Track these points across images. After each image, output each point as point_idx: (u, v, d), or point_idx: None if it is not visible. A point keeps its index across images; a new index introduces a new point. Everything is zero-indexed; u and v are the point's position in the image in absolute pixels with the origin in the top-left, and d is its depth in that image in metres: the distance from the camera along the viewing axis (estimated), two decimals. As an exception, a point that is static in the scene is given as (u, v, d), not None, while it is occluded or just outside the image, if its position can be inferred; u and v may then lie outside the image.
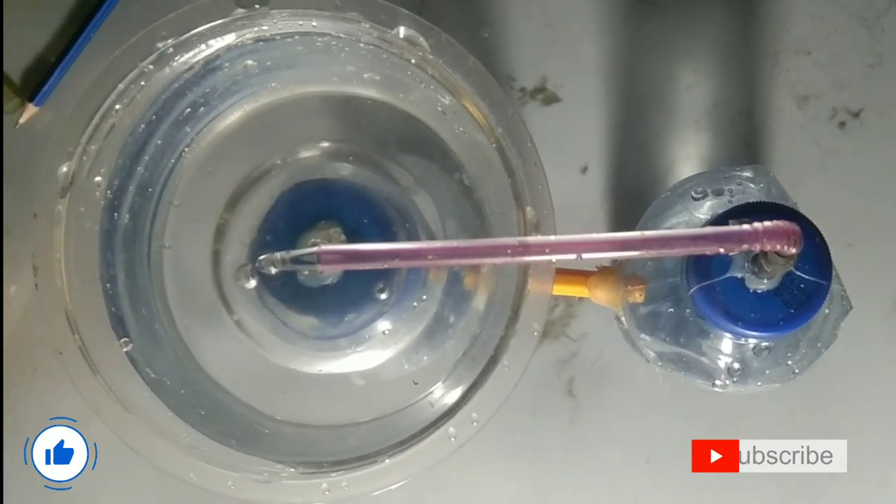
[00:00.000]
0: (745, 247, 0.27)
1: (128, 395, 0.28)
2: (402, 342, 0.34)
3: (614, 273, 0.41)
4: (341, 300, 0.33)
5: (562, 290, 0.43)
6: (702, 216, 0.38)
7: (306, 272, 0.33)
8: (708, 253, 0.28)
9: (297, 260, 0.27)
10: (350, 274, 0.33)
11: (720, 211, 0.36)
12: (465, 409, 0.28)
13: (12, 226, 0.64)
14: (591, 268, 0.45)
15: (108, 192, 0.31)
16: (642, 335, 0.39)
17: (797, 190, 0.56)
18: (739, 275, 0.33)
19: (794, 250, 0.27)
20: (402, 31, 0.29)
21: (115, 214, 0.31)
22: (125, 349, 0.30)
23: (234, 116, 0.34)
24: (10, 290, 0.63)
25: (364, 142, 0.35)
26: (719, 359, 0.37)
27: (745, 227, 0.28)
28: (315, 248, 0.26)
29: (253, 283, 0.30)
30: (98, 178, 0.30)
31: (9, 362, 0.62)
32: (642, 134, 0.59)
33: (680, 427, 0.46)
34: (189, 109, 0.33)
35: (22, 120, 0.61)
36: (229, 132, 0.34)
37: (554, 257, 0.27)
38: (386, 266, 0.27)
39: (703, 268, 0.34)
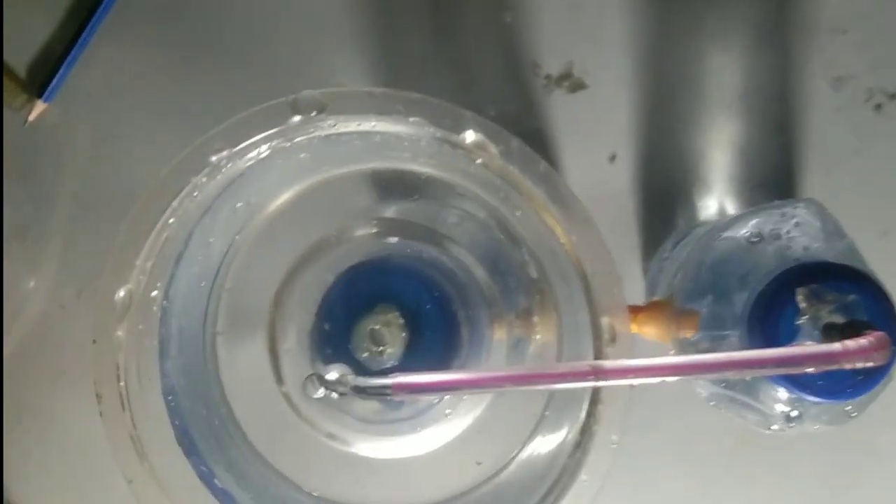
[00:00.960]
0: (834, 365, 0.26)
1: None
2: (465, 422, 0.33)
3: (665, 309, 0.40)
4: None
5: (610, 326, 0.42)
6: (763, 263, 0.36)
7: (365, 354, 0.31)
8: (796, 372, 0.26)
9: (367, 391, 0.26)
10: (410, 355, 0.32)
11: (782, 267, 0.34)
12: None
13: (29, 223, 0.62)
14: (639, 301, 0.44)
15: (164, 301, 0.29)
16: (696, 379, 0.38)
17: (832, 176, 0.54)
18: (808, 343, 0.32)
19: (882, 361, 0.27)
20: (469, 135, 0.27)
21: (172, 320, 0.30)
22: (192, 465, 0.29)
23: (284, 197, 0.32)
24: (29, 285, 0.62)
25: (420, 219, 0.33)
26: (776, 406, 0.36)
27: (836, 347, 0.26)
28: (389, 381, 0.26)
29: (321, 392, 0.29)
30: (154, 293, 0.29)
31: (33, 362, 0.61)
32: (672, 120, 0.57)
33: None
34: (241, 205, 0.31)
35: (31, 117, 0.59)
36: (279, 213, 0.32)
37: (635, 381, 0.26)
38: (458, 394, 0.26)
39: (769, 331, 0.33)
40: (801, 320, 0.32)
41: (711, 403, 0.39)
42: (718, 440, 0.49)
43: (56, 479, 0.65)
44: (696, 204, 0.57)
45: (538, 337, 0.36)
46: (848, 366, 0.26)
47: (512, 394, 0.33)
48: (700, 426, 0.48)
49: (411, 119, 0.27)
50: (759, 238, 0.37)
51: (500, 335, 0.35)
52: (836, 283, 0.32)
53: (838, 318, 0.32)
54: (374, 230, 0.33)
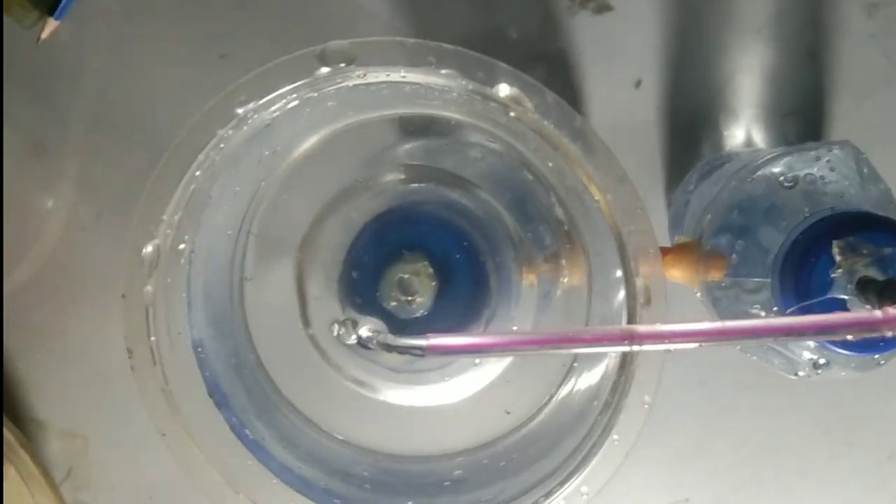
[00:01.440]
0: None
1: (233, 471, 0.28)
2: (494, 371, 0.33)
3: (692, 251, 0.39)
4: (432, 331, 0.31)
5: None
6: (797, 209, 0.35)
7: (393, 303, 0.31)
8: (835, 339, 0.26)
9: (400, 349, 0.26)
10: (440, 305, 0.32)
11: (817, 215, 0.34)
12: (574, 483, 0.27)
13: (45, 143, 0.62)
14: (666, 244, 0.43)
15: (192, 253, 0.29)
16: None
17: (864, 105, 0.53)
18: (841, 296, 0.32)
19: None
20: (503, 88, 0.26)
21: (199, 271, 0.30)
22: (224, 418, 0.29)
23: (310, 142, 0.31)
24: (48, 204, 0.62)
25: (448, 164, 0.32)
26: (804, 353, 0.36)
27: (877, 314, 0.26)
28: (423, 342, 0.25)
29: (354, 338, 0.29)
30: (182, 246, 0.28)
31: (56, 284, 0.62)
32: (700, 44, 0.55)
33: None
34: (267, 153, 0.30)
35: (44, 35, 0.58)
36: (304, 158, 0.32)
37: (671, 346, 0.25)
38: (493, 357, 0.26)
39: (802, 283, 0.33)
40: (836, 273, 0.31)
41: (737, 347, 0.39)
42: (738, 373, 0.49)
43: (82, 399, 0.66)
44: (722, 133, 0.56)
45: (566, 280, 0.36)
46: (889, 333, 0.26)
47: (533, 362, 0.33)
48: (721, 361, 0.48)
49: (443, 71, 0.26)
50: (793, 182, 0.36)
51: (528, 280, 0.34)
52: (872, 234, 0.31)
53: (874, 272, 0.31)
54: (402, 176, 0.32)
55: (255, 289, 0.32)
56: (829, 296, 0.32)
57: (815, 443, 0.52)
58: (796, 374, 0.37)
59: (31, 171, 0.62)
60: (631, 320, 0.27)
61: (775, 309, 0.35)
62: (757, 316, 0.37)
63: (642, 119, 0.57)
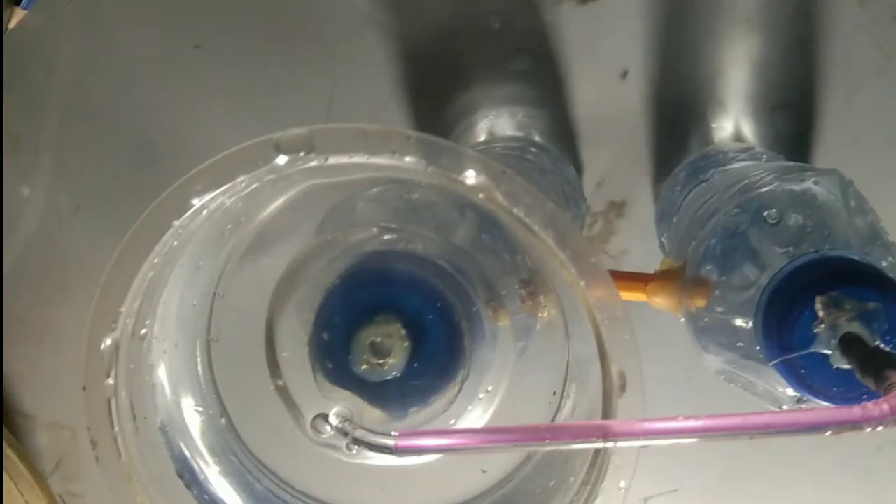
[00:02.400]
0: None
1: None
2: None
3: (676, 278, 0.39)
4: (405, 393, 0.31)
5: (619, 294, 0.41)
6: (782, 247, 0.34)
7: (365, 366, 0.30)
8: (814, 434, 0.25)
9: (367, 446, 0.26)
10: (412, 366, 0.31)
11: (801, 258, 0.33)
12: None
13: (21, 134, 0.61)
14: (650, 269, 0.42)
15: (154, 338, 0.28)
16: (704, 351, 0.37)
17: (854, 97, 0.51)
18: (824, 351, 0.31)
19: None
20: (470, 175, 0.25)
21: (163, 348, 0.29)
22: (194, 494, 0.28)
23: (275, 206, 0.30)
24: (24, 197, 0.61)
25: (420, 226, 0.31)
26: (787, 390, 0.36)
27: (855, 411, 0.25)
28: (391, 442, 0.25)
29: (329, 433, 0.28)
30: (143, 331, 0.27)
31: (35, 277, 0.61)
32: (687, 35, 0.53)
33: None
34: (230, 226, 0.29)
35: (11, 25, 0.57)
36: (270, 220, 0.31)
37: (648, 443, 0.25)
38: (463, 454, 0.25)
39: (784, 335, 0.32)
40: (819, 329, 0.30)
41: (721, 377, 0.38)
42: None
43: (68, 390, 0.66)
44: (710, 125, 0.54)
45: (544, 315, 0.35)
46: (869, 429, 0.25)
47: (519, 406, 0.32)
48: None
49: (407, 159, 0.25)
50: (777, 219, 0.35)
51: (505, 322, 0.34)
52: (855, 289, 0.30)
53: (857, 328, 0.30)
54: (372, 234, 0.31)
55: (223, 350, 0.31)
56: (811, 350, 0.31)
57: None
58: (780, 407, 0.36)
59: (6, 163, 0.61)
60: (607, 407, 0.26)
61: (758, 348, 0.35)
62: (739, 351, 0.36)
63: (629, 110, 0.55)
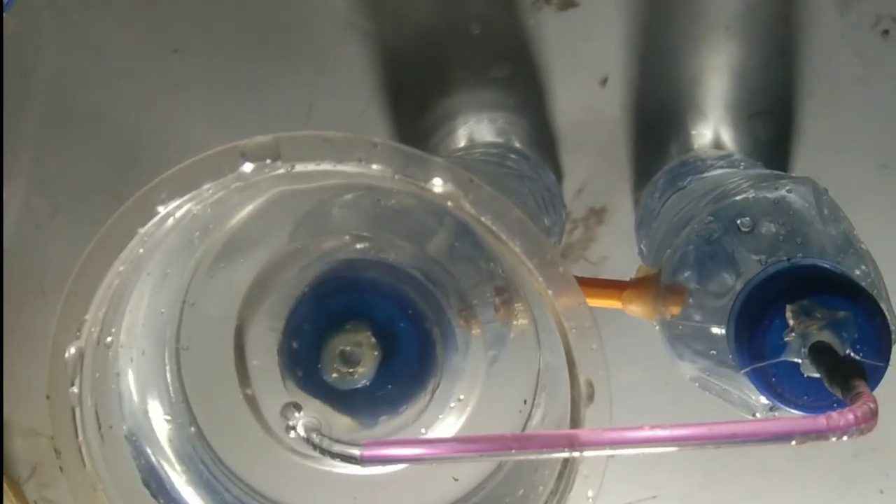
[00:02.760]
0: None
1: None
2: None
3: (651, 285, 0.39)
4: (375, 402, 0.31)
5: (593, 302, 0.41)
6: (754, 254, 0.34)
7: (335, 375, 0.30)
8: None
9: (333, 455, 0.26)
10: (383, 375, 0.31)
11: (773, 266, 0.33)
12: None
13: (-5, 136, 0.60)
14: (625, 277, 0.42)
15: (119, 346, 0.28)
16: (678, 359, 0.37)
17: (834, 105, 0.52)
18: (794, 359, 0.31)
19: (868, 432, 0.25)
20: (437, 183, 0.25)
21: (130, 356, 0.29)
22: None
23: (244, 212, 0.30)
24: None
25: (394, 234, 0.31)
26: (761, 398, 0.36)
27: (821, 420, 0.25)
28: (356, 452, 0.25)
29: (301, 431, 0.28)
30: (109, 339, 0.27)
31: (12, 283, 0.61)
32: (667, 41, 0.54)
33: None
34: (198, 233, 0.29)
35: None
36: (239, 227, 0.31)
37: (614, 452, 0.25)
38: (430, 463, 0.25)
39: (756, 344, 0.32)
40: (789, 337, 0.31)
41: (696, 384, 0.38)
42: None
43: (44, 396, 0.65)
44: (690, 132, 0.55)
45: (518, 322, 0.35)
46: (834, 439, 0.25)
47: (491, 415, 0.32)
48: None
49: (374, 167, 0.25)
50: (750, 227, 0.35)
51: (477, 330, 0.34)
52: (826, 298, 0.31)
53: (827, 336, 0.30)
54: (342, 241, 0.31)
55: (193, 358, 0.31)
56: (782, 358, 0.31)
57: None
58: (754, 415, 0.36)
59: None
60: (575, 417, 0.26)
61: (731, 356, 0.35)
62: (713, 359, 0.37)
63: (609, 117, 0.55)
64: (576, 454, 0.25)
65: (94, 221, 0.56)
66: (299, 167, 0.25)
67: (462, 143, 0.55)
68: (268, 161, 0.25)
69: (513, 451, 0.25)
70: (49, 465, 0.62)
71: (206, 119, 0.54)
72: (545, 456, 0.25)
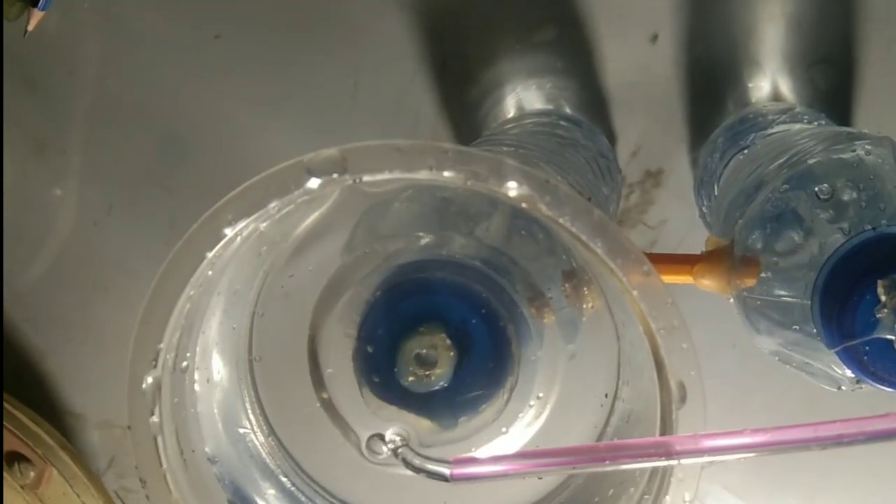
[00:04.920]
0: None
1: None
2: (523, 438, 0.31)
3: (725, 257, 0.37)
4: (454, 403, 0.30)
5: (664, 278, 0.39)
6: (834, 229, 0.32)
7: (411, 378, 0.29)
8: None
9: (421, 472, 0.25)
10: (460, 376, 0.30)
11: (857, 236, 0.31)
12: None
13: (47, 137, 0.60)
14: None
15: (196, 369, 0.27)
16: (756, 333, 0.36)
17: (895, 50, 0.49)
18: (888, 336, 0.29)
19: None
20: (511, 187, 0.23)
21: (207, 378, 0.28)
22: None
23: (310, 221, 0.29)
24: (56, 201, 0.61)
25: (455, 228, 0.30)
26: (846, 371, 0.34)
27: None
28: (446, 471, 0.24)
29: (386, 453, 0.27)
30: (185, 364, 0.26)
31: (74, 279, 0.60)
32: (720, -8, 0.51)
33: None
34: (265, 248, 0.28)
35: (30, 27, 0.56)
36: (306, 236, 0.29)
37: (713, 459, 0.23)
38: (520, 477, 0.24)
39: (845, 321, 0.30)
40: (881, 314, 0.29)
41: (776, 359, 0.36)
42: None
43: (116, 388, 0.65)
44: (747, 85, 0.52)
45: (590, 305, 0.34)
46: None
47: (573, 408, 0.31)
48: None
49: (445, 174, 0.23)
50: (829, 194, 0.33)
51: (549, 320, 0.32)
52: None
53: (922, 312, 0.28)
54: (411, 246, 0.30)
55: (266, 369, 0.30)
56: (874, 335, 0.29)
57: (854, 399, 0.50)
58: (839, 388, 0.35)
59: (34, 168, 0.60)
60: (665, 419, 0.25)
61: (816, 331, 0.33)
62: (794, 333, 0.35)
63: (660, 75, 0.53)
64: (672, 463, 0.23)
65: (148, 214, 0.56)
66: (367, 178, 0.24)
67: (511, 113, 0.53)
68: (334, 175, 0.23)
69: (606, 462, 0.24)
70: (126, 456, 0.63)
71: (251, 104, 0.53)
72: (640, 466, 0.23)
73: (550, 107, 0.51)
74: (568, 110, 0.51)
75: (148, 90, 0.57)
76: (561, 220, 0.23)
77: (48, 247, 0.61)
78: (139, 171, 0.57)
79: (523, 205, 0.24)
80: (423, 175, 0.23)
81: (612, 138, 0.52)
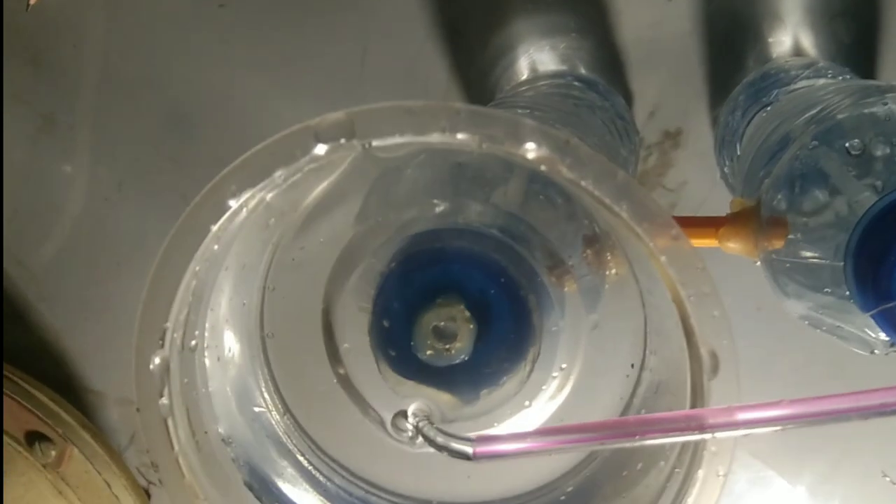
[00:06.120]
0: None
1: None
2: (545, 412, 0.30)
3: (751, 218, 0.35)
4: (475, 377, 0.28)
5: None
6: (866, 186, 0.31)
7: (430, 352, 0.28)
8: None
9: (442, 449, 0.23)
10: (480, 348, 0.28)
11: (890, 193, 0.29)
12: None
13: (55, 113, 0.58)
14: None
15: (206, 347, 0.25)
16: (785, 297, 0.34)
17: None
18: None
19: None
20: (530, 148, 0.22)
21: (217, 356, 0.26)
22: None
23: (319, 190, 0.27)
24: (66, 178, 0.60)
25: (470, 195, 0.28)
26: (880, 333, 0.32)
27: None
28: (468, 449, 0.22)
29: (410, 430, 0.26)
30: (193, 342, 0.25)
31: (88, 256, 0.59)
32: (736, -60, 0.49)
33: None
34: (273, 220, 0.26)
35: (32, 1, 0.54)
36: (316, 206, 0.28)
37: (749, 432, 0.22)
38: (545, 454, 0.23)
39: (881, 283, 0.29)
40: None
41: (805, 323, 0.35)
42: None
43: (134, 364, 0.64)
44: (767, 40, 0.50)
45: (613, 272, 0.32)
46: None
47: (598, 379, 0.29)
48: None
49: (459, 136, 0.22)
50: (860, 149, 0.31)
51: (571, 287, 0.31)
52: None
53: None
54: (425, 214, 0.28)
55: (279, 345, 0.29)
56: (913, 293, 0.28)
57: (884, 364, 0.48)
58: (872, 352, 0.33)
59: (43, 145, 0.59)
60: (696, 391, 0.23)
61: (848, 293, 0.31)
62: (826, 296, 0.33)
63: (677, 31, 0.51)
64: (707, 437, 0.22)
65: (158, 189, 0.54)
66: (377, 143, 0.22)
67: (525, 76, 0.51)
68: (342, 140, 0.22)
69: (637, 437, 0.22)
70: (146, 432, 0.62)
71: (258, 73, 0.51)
72: (672, 440, 0.22)
73: (565, 68, 0.49)
74: (583, 71, 0.50)
75: (154, 62, 0.55)
76: (583, 183, 0.22)
77: (60, 225, 0.60)
78: (148, 146, 0.55)
79: (542, 167, 0.23)
80: (435, 138, 0.22)
81: (628, 99, 0.50)
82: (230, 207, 0.22)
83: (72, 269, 0.59)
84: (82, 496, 0.56)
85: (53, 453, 0.55)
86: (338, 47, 0.51)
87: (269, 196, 0.23)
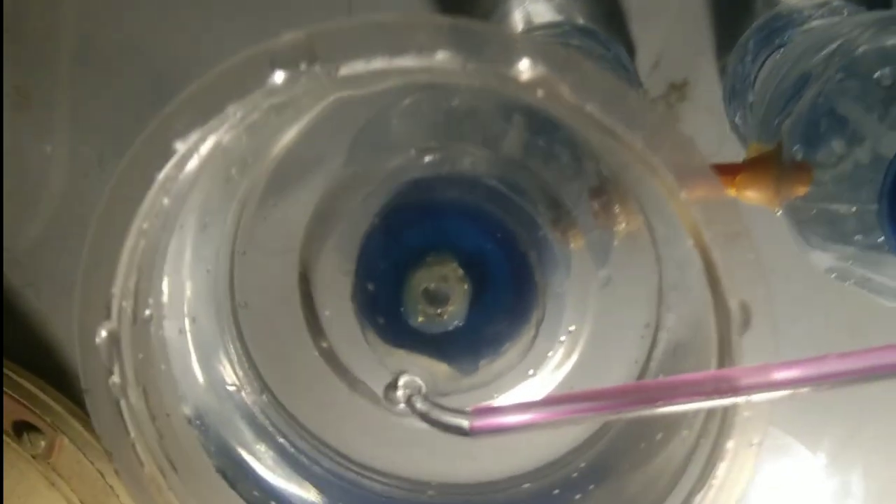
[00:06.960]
0: None
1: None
2: (551, 383, 0.26)
3: (771, 164, 0.31)
4: (473, 344, 0.25)
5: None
6: None
7: (421, 318, 0.24)
8: None
9: (437, 424, 0.20)
10: (477, 312, 0.24)
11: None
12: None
13: (30, 89, 0.55)
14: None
15: (162, 317, 0.22)
16: (809, 248, 0.30)
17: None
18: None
19: None
20: (525, 67, 0.18)
21: (178, 328, 0.23)
22: (240, 494, 0.22)
23: (288, 137, 0.23)
24: (45, 154, 0.57)
25: (464, 141, 0.24)
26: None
27: None
28: (465, 422, 0.19)
29: (401, 403, 0.22)
30: (148, 312, 0.21)
31: (72, 235, 0.56)
32: None
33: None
34: (235, 170, 0.22)
35: None
36: (285, 155, 0.24)
37: (790, 392, 0.18)
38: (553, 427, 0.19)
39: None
40: None
41: (832, 276, 0.31)
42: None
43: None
44: (776, -20, 0.46)
45: (623, 226, 0.28)
46: None
47: (609, 342, 0.25)
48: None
49: (439, 56, 0.18)
50: (892, 81, 0.27)
51: (577, 244, 0.27)
52: None
53: None
54: (410, 163, 0.24)
55: (254, 315, 0.25)
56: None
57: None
58: (901, 303, 0.29)
59: (20, 121, 0.56)
60: (724, 347, 0.19)
61: (881, 240, 0.27)
62: (855, 244, 0.29)
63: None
64: (739, 400, 0.18)
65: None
66: (344, 70, 0.18)
67: (519, 28, 0.47)
68: (302, 66, 0.18)
69: (658, 403, 0.18)
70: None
71: (240, 32, 0.48)
72: (699, 406, 0.18)
73: (561, 18, 0.45)
74: (581, 21, 0.45)
75: (128, 30, 0.51)
76: (588, 108, 0.18)
77: (43, 206, 0.56)
78: (127, 118, 0.52)
79: (539, 92, 0.19)
80: (410, 61, 0.18)
81: (630, 49, 0.46)
82: (177, 151, 0.18)
83: (56, 252, 0.56)
84: (76, 487, 0.53)
85: (43, 444, 0.52)
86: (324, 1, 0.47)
87: (225, 138, 0.19)
